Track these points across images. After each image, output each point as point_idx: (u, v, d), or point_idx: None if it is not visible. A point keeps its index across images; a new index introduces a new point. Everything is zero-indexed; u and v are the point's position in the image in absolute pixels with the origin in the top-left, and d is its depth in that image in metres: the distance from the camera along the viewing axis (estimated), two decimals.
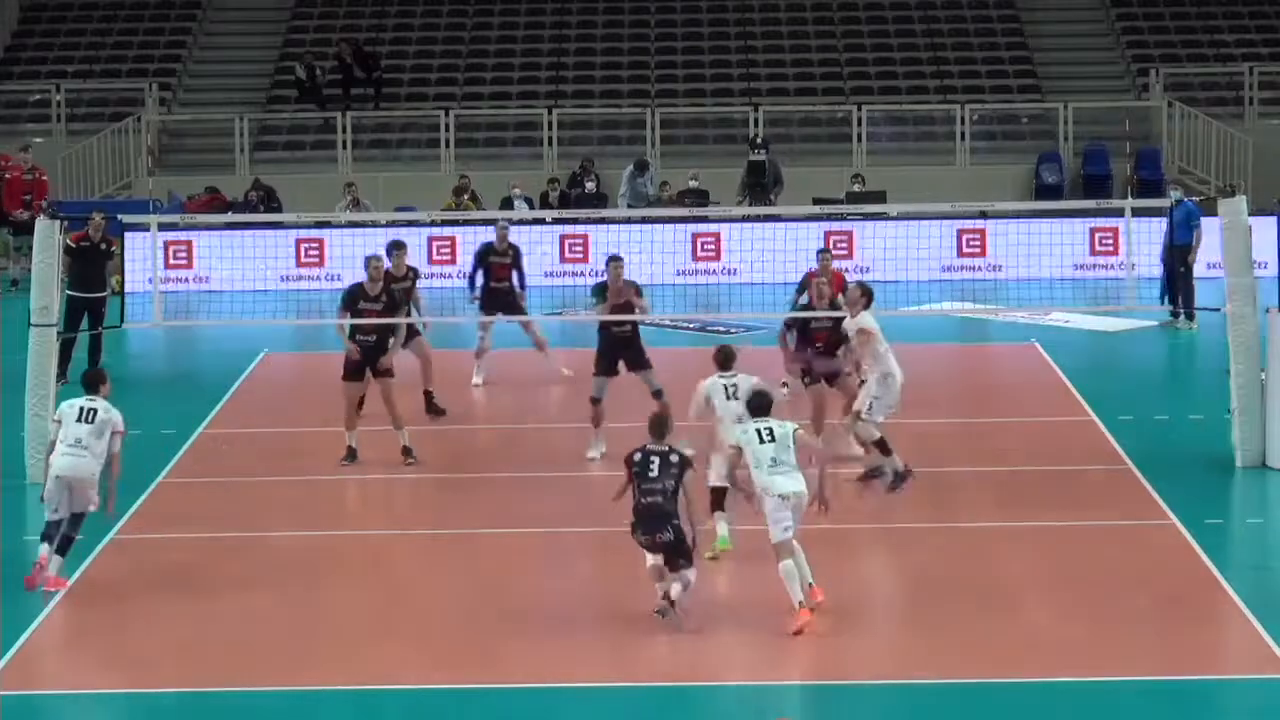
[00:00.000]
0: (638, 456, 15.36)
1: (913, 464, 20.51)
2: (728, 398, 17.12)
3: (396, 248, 22.51)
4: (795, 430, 15.70)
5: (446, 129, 38.76)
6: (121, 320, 24.30)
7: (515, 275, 24.04)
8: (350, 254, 31.77)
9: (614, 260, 20.57)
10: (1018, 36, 41.82)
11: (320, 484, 19.98)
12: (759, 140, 37.10)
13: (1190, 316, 27.60)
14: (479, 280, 24.06)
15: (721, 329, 27.82)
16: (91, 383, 17.07)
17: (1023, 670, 14.54)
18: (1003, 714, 13.87)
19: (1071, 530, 18.00)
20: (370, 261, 20.87)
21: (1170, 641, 15.28)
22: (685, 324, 25.60)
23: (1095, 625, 15.50)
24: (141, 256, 26.80)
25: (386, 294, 20.65)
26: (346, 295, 20.81)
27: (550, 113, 39.26)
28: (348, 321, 20.44)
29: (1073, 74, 41.06)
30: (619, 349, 20.36)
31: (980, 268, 33.03)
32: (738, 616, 15.80)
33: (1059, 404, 23.28)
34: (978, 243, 33.38)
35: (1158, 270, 28.12)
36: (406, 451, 20.30)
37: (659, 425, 15.53)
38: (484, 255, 24.15)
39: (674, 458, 15.29)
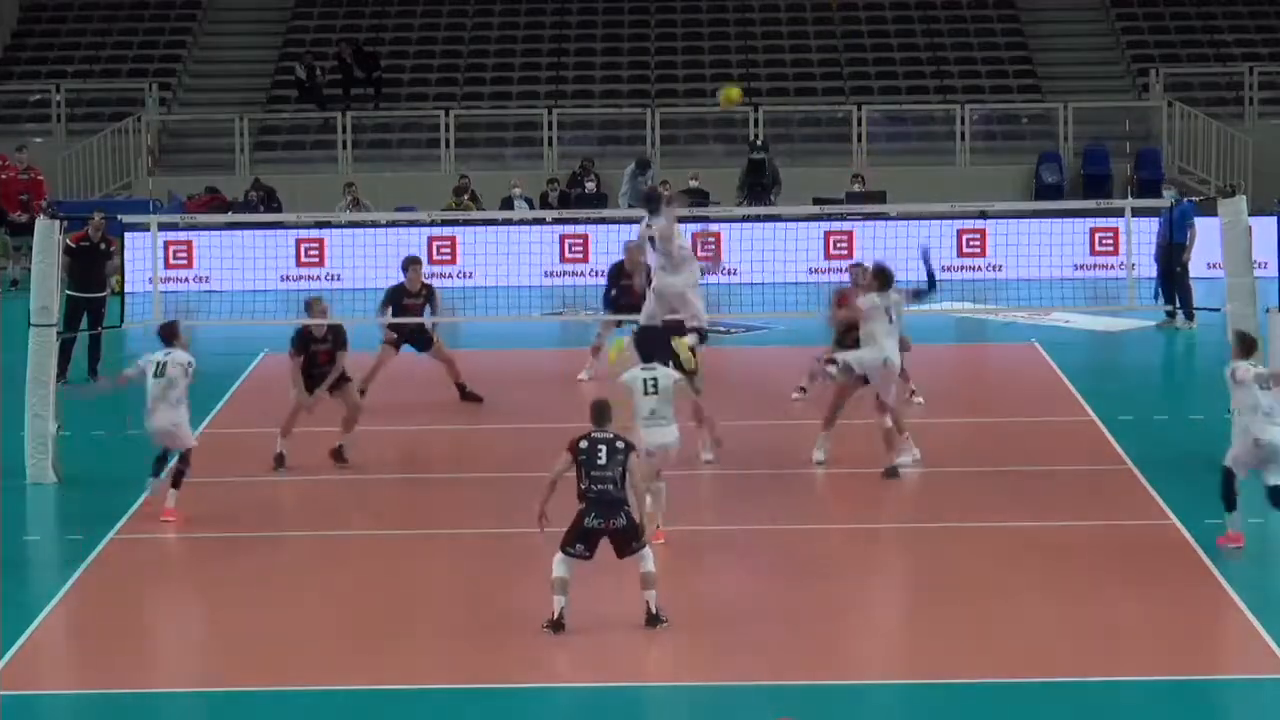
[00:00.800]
0: (584, 445, 15.26)
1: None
2: (645, 392, 17.16)
3: (412, 263, 22.55)
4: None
5: (446, 129, 38.77)
6: (121, 320, 24.30)
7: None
8: (350, 254, 31.83)
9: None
10: (1018, 36, 41.83)
11: (321, 484, 19.97)
12: (759, 140, 37.13)
13: (1189, 316, 27.60)
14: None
15: (722, 329, 27.83)
16: (166, 336, 18.61)
17: (1023, 670, 14.54)
18: (1003, 714, 13.87)
19: (1072, 530, 17.99)
20: (410, 264, 21.93)
21: (1170, 641, 15.28)
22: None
23: (1095, 625, 15.50)
24: (141, 256, 26.78)
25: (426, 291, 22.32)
26: (390, 294, 22.03)
27: (550, 113, 39.27)
28: (390, 319, 21.71)
29: (1073, 74, 41.07)
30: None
31: (980, 268, 33.04)
32: (737, 616, 15.80)
33: (1059, 404, 23.28)
34: (978, 243, 33.39)
35: (1153, 270, 28.16)
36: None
37: (601, 411, 15.50)
38: (616, 276, 24.31)
39: (619, 444, 15.30)
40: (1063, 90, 40.29)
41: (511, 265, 32.40)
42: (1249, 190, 34.69)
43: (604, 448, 15.21)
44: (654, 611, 15.19)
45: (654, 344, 18.25)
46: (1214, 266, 26.83)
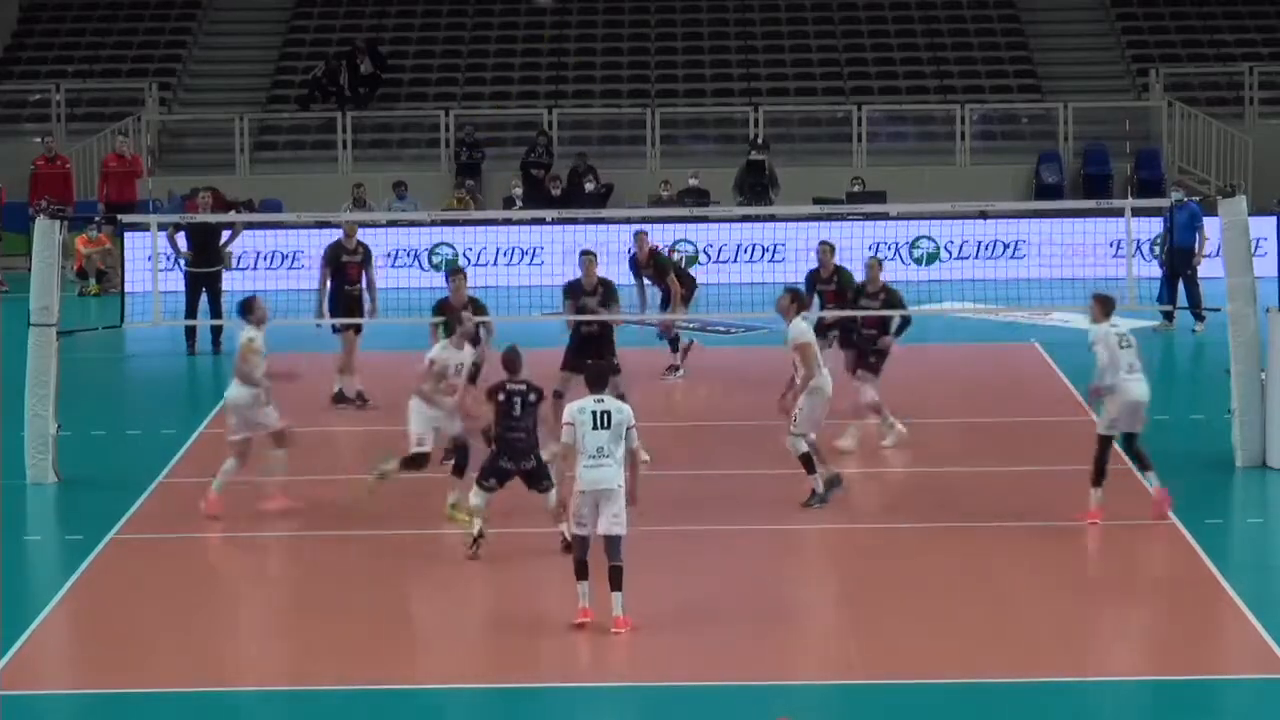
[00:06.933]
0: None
1: (913, 464, 20.57)
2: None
3: (455, 273, 21.28)
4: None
5: (446, 129, 38.77)
6: (121, 320, 24.30)
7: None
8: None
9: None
10: (1018, 36, 41.83)
11: (321, 484, 19.97)
12: (759, 140, 37.14)
13: (1199, 318, 27.56)
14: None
15: (722, 329, 27.83)
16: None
17: (1023, 670, 14.54)
18: (1003, 714, 13.86)
19: (1071, 530, 17.99)
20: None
21: (1170, 641, 15.29)
22: (686, 324, 25.62)
23: (1095, 625, 15.51)
24: (142, 256, 26.80)
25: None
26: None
27: (550, 113, 39.28)
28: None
29: (1073, 74, 41.08)
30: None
31: (981, 268, 33.01)
32: (736, 616, 15.80)
33: (1059, 404, 23.28)
34: (979, 243, 33.45)
35: (1158, 270, 28.17)
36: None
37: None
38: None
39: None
40: (1063, 90, 40.30)
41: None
42: (1249, 190, 34.75)
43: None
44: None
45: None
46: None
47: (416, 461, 18.17)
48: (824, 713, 13.90)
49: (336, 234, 24.30)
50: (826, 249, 22.42)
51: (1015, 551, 17.49)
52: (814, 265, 22.63)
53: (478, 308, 20.47)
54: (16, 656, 14.93)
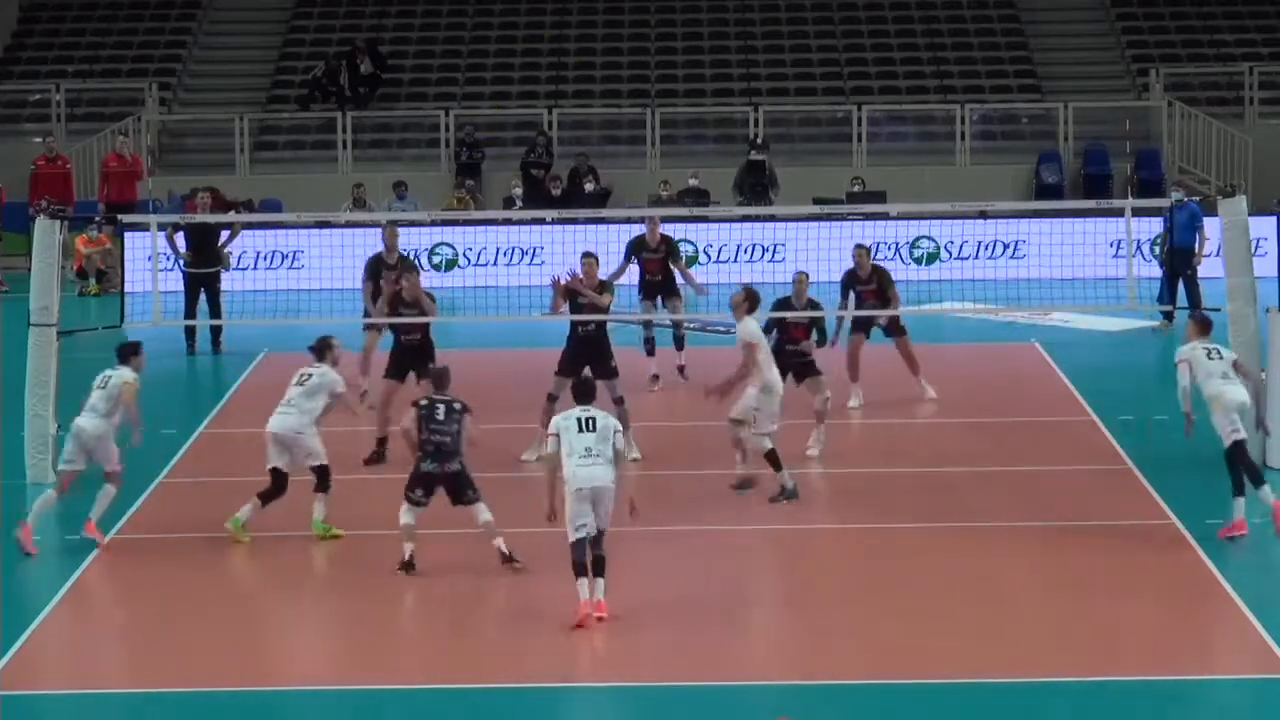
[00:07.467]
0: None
1: (913, 464, 20.56)
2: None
3: (586, 256, 21.19)
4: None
5: (446, 129, 38.77)
6: (121, 320, 24.30)
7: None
8: (351, 253, 31.78)
9: (587, 256, 20.83)
10: (1018, 36, 41.84)
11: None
12: (758, 140, 37.13)
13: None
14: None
15: (722, 329, 27.81)
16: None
17: (1023, 670, 14.54)
18: (1003, 714, 13.87)
19: (1072, 530, 17.99)
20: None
21: (1170, 641, 15.29)
22: (687, 324, 25.60)
23: (1095, 625, 15.51)
24: (142, 256, 26.79)
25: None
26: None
27: (550, 113, 39.28)
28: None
29: (1073, 74, 41.08)
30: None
31: (981, 268, 33.01)
32: (736, 616, 15.80)
33: (1059, 404, 23.29)
34: (979, 243, 33.45)
35: (1158, 270, 28.16)
36: None
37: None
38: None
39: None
40: (1063, 90, 40.30)
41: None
42: (1249, 190, 34.74)
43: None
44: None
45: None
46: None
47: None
48: (824, 713, 13.90)
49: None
50: (863, 252, 23.11)
51: (1015, 551, 17.49)
52: (849, 266, 23.12)
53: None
54: (16, 656, 14.93)
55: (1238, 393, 17.70)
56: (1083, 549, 17.47)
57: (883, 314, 22.88)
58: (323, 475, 18.00)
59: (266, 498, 17.84)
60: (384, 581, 16.80)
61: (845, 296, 22.96)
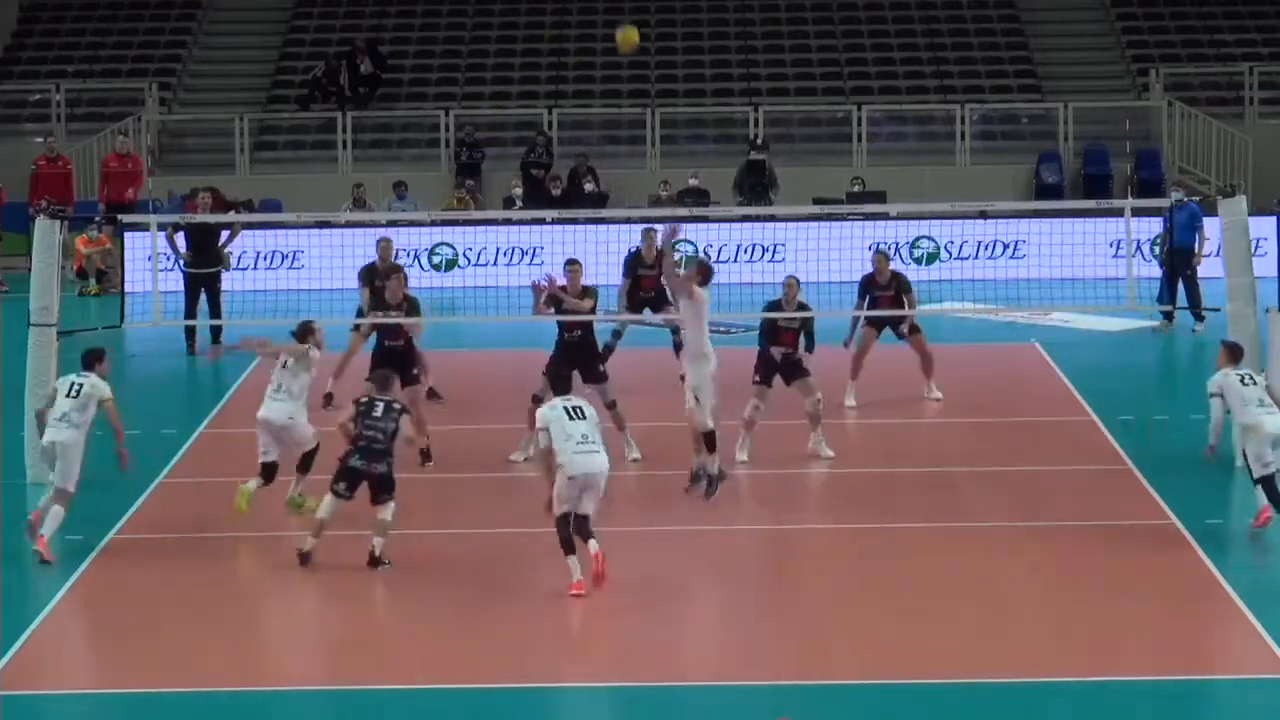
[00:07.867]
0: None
1: (913, 464, 20.56)
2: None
3: (570, 263, 21.14)
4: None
5: (446, 129, 38.78)
6: (121, 320, 24.30)
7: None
8: (351, 253, 31.78)
9: (571, 263, 20.80)
10: (1018, 36, 41.83)
11: (319, 484, 19.94)
12: (758, 140, 37.13)
13: (1199, 318, 27.55)
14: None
15: (722, 329, 27.81)
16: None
17: (1023, 670, 14.55)
18: (1003, 714, 13.87)
19: (1072, 530, 17.99)
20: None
21: (1170, 641, 15.29)
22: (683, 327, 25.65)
23: (1095, 625, 15.51)
24: (142, 256, 26.79)
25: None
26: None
27: (550, 113, 39.28)
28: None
29: (1073, 74, 41.08)
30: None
31: (981, 268, 33.01)
32: (735, 616, 15.81)
33: (1059, 404, 23.29)
34: (979, 243, 33.45)
35: (1158, 271, 28.15)
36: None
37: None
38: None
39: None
40: (1063, 90, 40.30)
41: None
42: (1249, 190, 34.74)
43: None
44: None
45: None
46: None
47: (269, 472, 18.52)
48: (824, 713, 13.90)
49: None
50: (882, 258, 23.20)
51: (1015, 551, 17.50)
52: (868, 270, 23.24)
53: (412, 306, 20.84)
54: (16, 656, 14.93)
55: (1275, 423, 17.47)
56: (1083, 549, 17.47)
57: (895, 314, 22.85)
58: (308, 458, 18.30)
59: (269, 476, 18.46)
60: (384, 581, 16.82)
61: (862, 300, 23.09)
